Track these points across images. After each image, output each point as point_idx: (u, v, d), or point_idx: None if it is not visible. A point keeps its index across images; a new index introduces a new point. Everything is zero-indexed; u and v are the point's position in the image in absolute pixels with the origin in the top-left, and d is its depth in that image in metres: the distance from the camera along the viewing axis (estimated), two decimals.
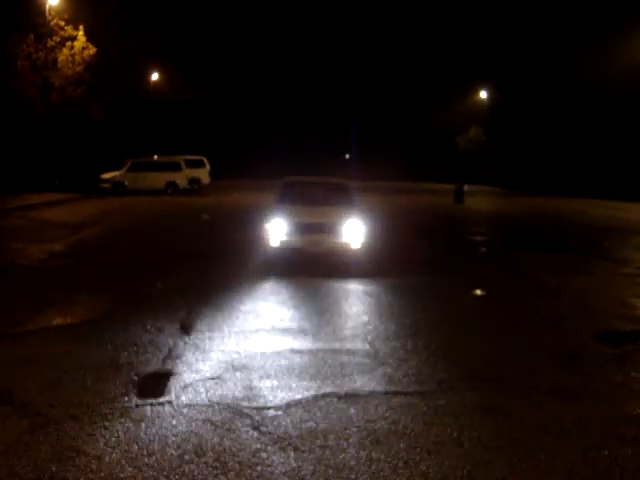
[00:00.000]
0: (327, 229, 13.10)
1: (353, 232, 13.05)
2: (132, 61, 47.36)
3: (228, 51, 64.98)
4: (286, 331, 8.67)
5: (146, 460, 4.97)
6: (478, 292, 12.04)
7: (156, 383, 6.58)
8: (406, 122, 71.34)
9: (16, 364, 7.03)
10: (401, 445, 5.33)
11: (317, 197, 14.72)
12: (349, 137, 69.92)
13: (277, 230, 13.06)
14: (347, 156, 75.32)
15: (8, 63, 37.10)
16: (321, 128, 71.59)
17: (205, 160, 41.52)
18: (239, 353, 7.64)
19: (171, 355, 7.49)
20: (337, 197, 14.73)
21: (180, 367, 7.08)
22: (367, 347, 8.01)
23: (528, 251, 17.40)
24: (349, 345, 8.09)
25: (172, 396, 6.23)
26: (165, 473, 4.77)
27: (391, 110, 72.42)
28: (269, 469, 4.88)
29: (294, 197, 14.71)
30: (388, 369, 7.19)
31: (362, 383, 6.73)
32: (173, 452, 5.10)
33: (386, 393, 6.46)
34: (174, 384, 6.55)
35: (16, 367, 6.93)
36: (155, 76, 54.48)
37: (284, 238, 13.03)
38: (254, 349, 7.85)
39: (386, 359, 7.54)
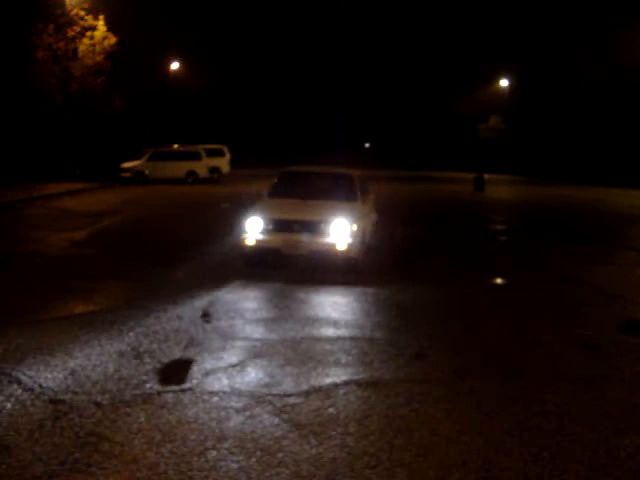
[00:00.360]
0: (309, 227, 11.46)
1: (341, 231, 11.30)
2: (152, 50, 47.45)
3: (248, 39, 64.82)
4: (306, 320, 8.69)
5: (168, 446, 5.01)
6: (498, 281, 12.00)
7: (178, 370, 6.63)
8: (426, 111, 71.06)
9: (38, 351, 7.09)
10: (422, 432, 5.33)
11: (312, 190, 12.94)
12: (367, 126, 69.86)
13: (253, 227, 11.62)
14: (367, 145, 75.19)
15: (28, 53, 37.28)
16: (340, 117, 71.42)
17: (225, 149, 41.58)
18: (260, 340, 7.67)
19: (192, 342, 7.54)
20: (336, 190, 12.93)
21: (201, 354, 7.12)
22: (388, 335, 8.01)
23: (549, 240, 17.32)
24: (369, 333, 8.10)
25: (193, 383, 6.27)
26: (187, 459, 4.81)
27: (411, 98, 72.15)
28: (290, 455, 4.89)
29: (286, 190, 13.13)
30: (409, 357, 7.19)
31: (383, 371, 6.73)
32: (195, 438, 5.14)
33: (407, 381, 6.46)
34: (195, 371, 6.58)
35: (38, 354, 6.99)
36: (175, 65, 54.55)
37: (259, 237, 11.58)
38: (274, 337, 7.88)
39: (407, 347, 7.53)
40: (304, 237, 11.35)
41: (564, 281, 11.78)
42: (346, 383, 6.34)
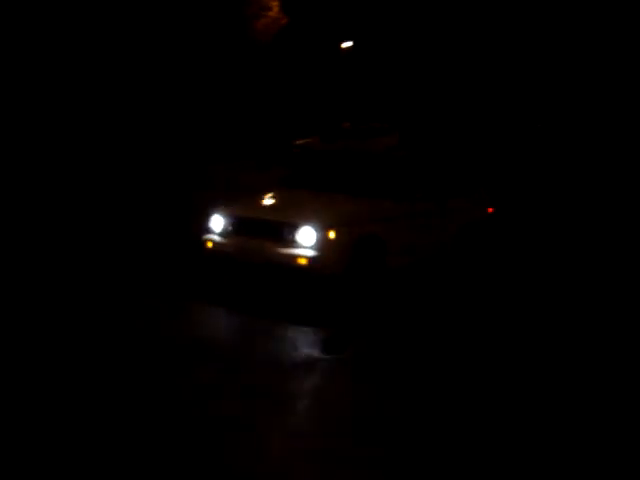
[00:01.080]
0: (271, 231, 8.54)
1: (307, 238, 8.12)
2: (324, 28, 47.82)
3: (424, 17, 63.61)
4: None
5: (323, 411, 5.37)
6: None
7: (336, 342, 6.99)
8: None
9: (214, 324, 7.85)
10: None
11: (339, 178, 9.77)
12: (540, 103, 66.97)
13: (215, 226, 8.99)
14: (539, 126, 72.09)
15: (213, 36, 38.73)
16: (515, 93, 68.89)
17: (392, 128, 41.79)
18: (410, 317, 8.00)
19: (350, 318, 7.87)
20: (369, 180, 9.55)
21: (358, 329, 7.49)
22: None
23: None
24: None
25: (350, 353, 6.69)
26: (341, 425, 5.05)
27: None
28: (438, 427, 5.09)
29: (311, 175, 10.31)
30: None
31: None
32: (349, 405, 5.44)
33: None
34: (353, 343, 6.97)
35: (212, 325, 7.75)
36: (348, 43, 54.52)
37: (217, 239, 8.93)
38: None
39: None
40: (264, 243, 8.51)
41: None
42: None
